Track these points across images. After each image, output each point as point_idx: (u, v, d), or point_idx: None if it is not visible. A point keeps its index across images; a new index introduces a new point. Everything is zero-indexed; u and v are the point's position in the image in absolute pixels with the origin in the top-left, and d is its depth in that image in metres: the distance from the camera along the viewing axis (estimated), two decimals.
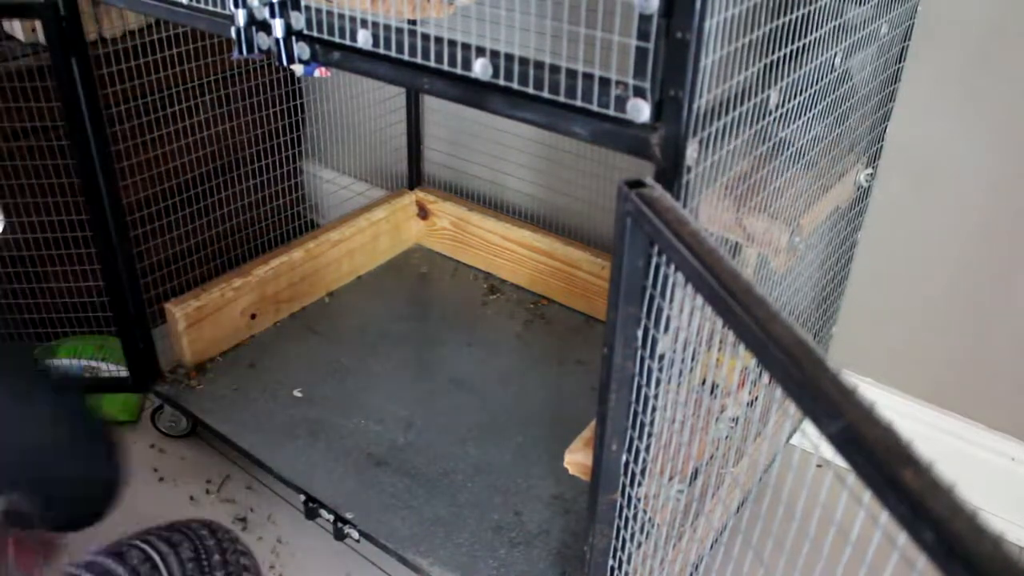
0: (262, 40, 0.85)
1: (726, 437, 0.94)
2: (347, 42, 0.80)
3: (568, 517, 1.20)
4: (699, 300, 0.55)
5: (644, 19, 0.60)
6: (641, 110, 0.63)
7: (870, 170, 1.17)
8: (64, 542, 0.82)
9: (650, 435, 0.74)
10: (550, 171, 1.66)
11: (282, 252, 1.58)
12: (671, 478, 0.82)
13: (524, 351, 1.54)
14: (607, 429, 0.74)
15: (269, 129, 1.81)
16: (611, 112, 0.65)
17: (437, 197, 1.79)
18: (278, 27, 0.83)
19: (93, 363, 1.46)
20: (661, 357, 0.69)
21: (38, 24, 1.43)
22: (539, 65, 0.68)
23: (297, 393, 1.41)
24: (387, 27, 0.77)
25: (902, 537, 0.36)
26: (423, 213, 1.83)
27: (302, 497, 1.23)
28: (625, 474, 0.77)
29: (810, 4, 0.77)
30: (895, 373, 1.36)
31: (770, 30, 0.71)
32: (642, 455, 0.75)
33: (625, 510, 0.80)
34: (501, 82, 0.70)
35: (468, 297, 1.69)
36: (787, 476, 1.34)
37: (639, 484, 0.77)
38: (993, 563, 0.33)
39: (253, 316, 1.54)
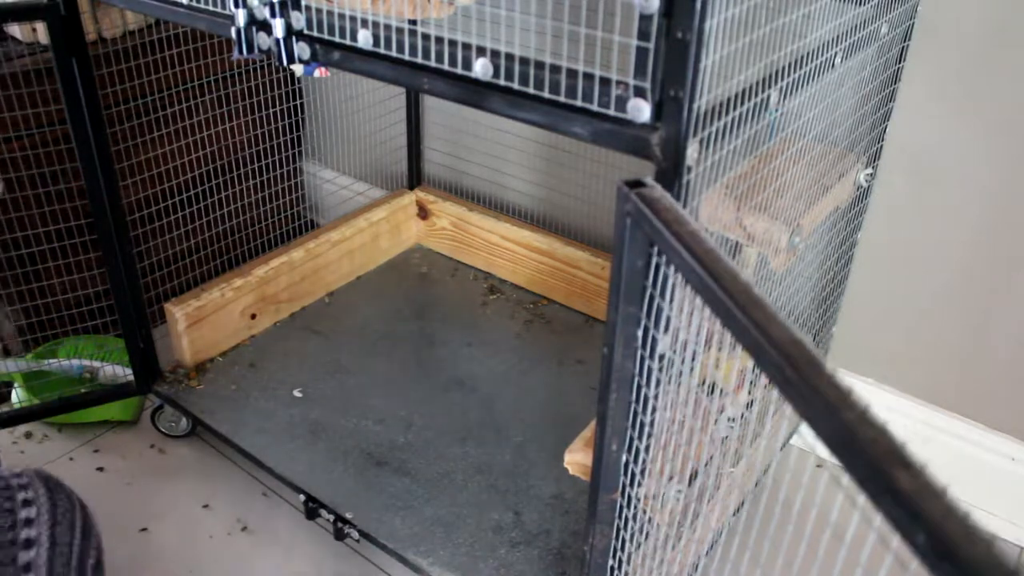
0: (262, 40, 0.85)
1: (725, 438, 0.94)
2: (347, 42, 0.80)
3: (568, 517, 1.20)
4: (699, 300, 0.55)
5: (644, 19, 0.60)
6: (641, 110, 0.63)
7: (870, 170, 1.17)
8: None
9: (650, 435, 0.74)
10: (550, 171, 1.66)
11: (282, 252, 1.58)
12: (671, 478, 0.82)
13: (524, 351, 1.54)
14: (607, 429, 0.74)
15: (269, 129, 1.81)
16: (611, 112, 0.65)
17: (437, 197, 1.79)
18: (278, 27, 0.83)
19: (93, 363, 1.46)
20: (661, 357, 0.69)
21: (38, 25, 1.44)
22: (539, 65, 0.68)
23: (297, 393, 1.41)
24: (387, 27, 0.77)
25: (896, 539, 0.36)
26: (423, 213, 1.83)
27: (302, 497, 1.23)
28: (625, 474, 0.77)
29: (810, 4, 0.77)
30: (895, 373, 1.36)
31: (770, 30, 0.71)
32: (642, 455, 0.75)
33: (625, 510, 0.80)
34: (501, 82, 0.70)
35: (468, 297, 1.69)
36: (785, 477, 1.34)
37: (639, 484, 0.77)
38: (985, 566, 0.33)
39: (253, 316, 1.54)
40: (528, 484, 1.25)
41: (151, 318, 1.43)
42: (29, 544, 0.76)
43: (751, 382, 0.97)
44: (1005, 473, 1.29)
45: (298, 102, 1.83)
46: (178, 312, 1.41)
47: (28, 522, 0.78)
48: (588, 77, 0.65)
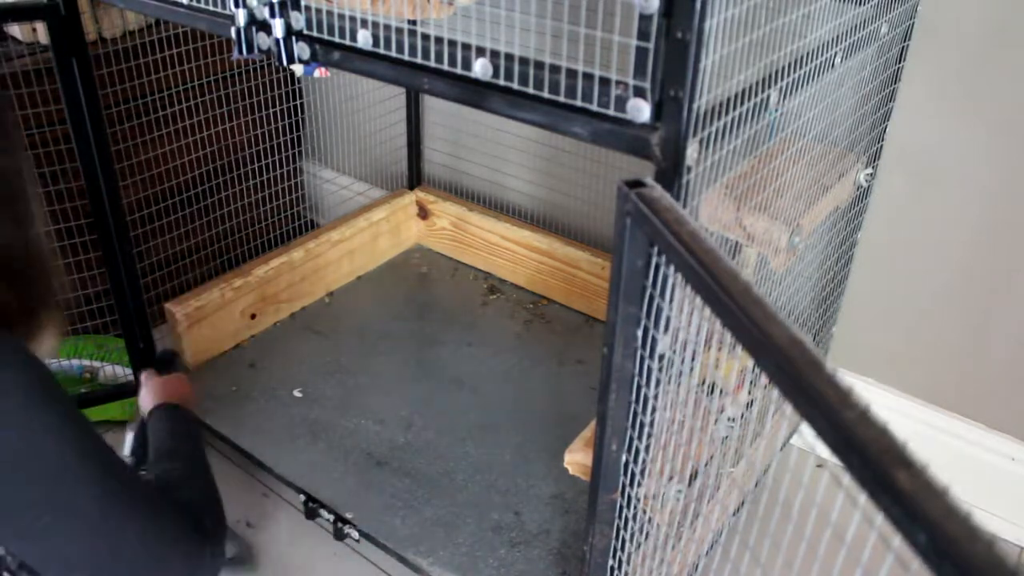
0: (262, 40, 0.85)
1: (725, 438, 0.94)
2: (347, 42, 0.80)
3: (568, 517, 1.20)
4: (698, 300, 0.55)
5: (644, 19, 0.60)
6: (641, 110, 0.63)
7: (870, 170, 1.17)
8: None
9: (650, 435, 0.74)
10: (550, 171, 1.66)
11: (282, 252, 1.58)
12: (671, 478, 0.82)
13: (524, 351, 1.54)
14: (607, 429, 0.74)
15: (269, 129, 1.81)
16: (611, 112, 0.65)
17: (437, 197, 1.79)
18: (278, 27, 0.83)
19: (93, 363, 1.46)
20: (661, 357, 0.69)
21: (38, 25, 1.44)
22: (539, 65, 0.68)
23: (297, 393, 1.41)
24: (387, 27, 0.77)
25: (897, 538, 0.36)
26: (423, 213, 1.83)
27: (302, 497, 1.23)
28: (625, 474, 0.77)
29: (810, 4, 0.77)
30: (895, 373, 1.36)
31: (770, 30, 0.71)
32: (642, 455, 0.74)
33: (625, 510, 0.80)
34: (501, 82, 0.70)
35: (468, 297, 1.69)
36: (785, 477, 1.34)
37: (639, 484, 0.77)
38: (986, 566, 0.33)
39: (253, 316, 1.54)
40: (528, 484, 1.25)
41: (151, 318, 1.43)
42: None
43: (751, 382, 0.97)
44: (1005, 473, 1.29)
45: (298, 102, 1.83)
46: (178, 312, 1.41)
47: None
48: (588, 77, 0.65)
